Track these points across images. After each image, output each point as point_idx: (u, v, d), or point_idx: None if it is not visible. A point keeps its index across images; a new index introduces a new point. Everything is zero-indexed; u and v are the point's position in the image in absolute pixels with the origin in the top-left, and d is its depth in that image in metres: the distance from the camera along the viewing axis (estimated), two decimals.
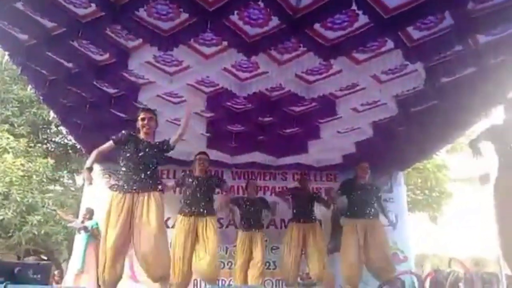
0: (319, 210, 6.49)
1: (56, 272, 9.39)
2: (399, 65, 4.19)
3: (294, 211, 6.21)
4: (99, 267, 3.65)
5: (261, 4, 3.29)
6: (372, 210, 5.44)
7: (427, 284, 3.36)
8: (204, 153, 5.36)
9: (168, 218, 7.06)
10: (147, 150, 3.82)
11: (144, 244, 3.57)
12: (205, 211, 4.84)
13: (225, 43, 3.84)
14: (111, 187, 3.80)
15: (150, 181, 3.78)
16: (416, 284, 3.17)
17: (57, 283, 8.75)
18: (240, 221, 6.26)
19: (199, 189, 4.94)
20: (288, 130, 6.12)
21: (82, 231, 6.97)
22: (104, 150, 3.83)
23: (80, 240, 7.04)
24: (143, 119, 3.90)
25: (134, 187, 3.69)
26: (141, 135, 3.91)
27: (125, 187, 3.70)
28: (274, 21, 3.53)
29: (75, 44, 4.04)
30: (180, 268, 4.64)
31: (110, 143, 3.81)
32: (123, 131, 3.84)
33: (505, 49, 3.95)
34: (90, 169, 3.70)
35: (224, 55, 4.08)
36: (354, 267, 5.18)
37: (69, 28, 3.69)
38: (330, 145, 6.45)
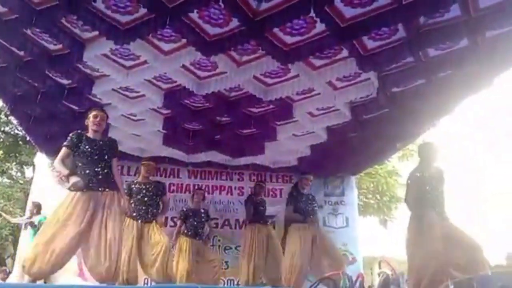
0: None
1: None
2: (353, 73, 4.32)
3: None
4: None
5: (222, 5, 3.31)
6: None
7: (357, 284, 3.49)
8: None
9: None
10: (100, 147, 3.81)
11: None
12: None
13: (184, 40, 3.83)
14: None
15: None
16: (348, 284, 3.28)
17: (3, 279, 8.40)
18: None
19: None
20: (245, 131, 6.16)
21: (29, 227, 6.71)
22: (64, 158, 3.72)
23: (27, 235, 6.77)
24: (95, 117, 3.87)
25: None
26: (90, 133, 3.86)
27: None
28: (234, 22, 3.55)
29: (28, 31, 3.89)
30: None
31: (64, 150, 3.72)
32: (71, 134, 3.80)
33: (453, 63, 4.16)
34: (70, 173, 3.61)
35: (183, 53, 4.06)
36: None
37: (22, 15, 3.54)
38: (286, 147, 6.56)
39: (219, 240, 7.45)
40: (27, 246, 6.57)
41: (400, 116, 5.28)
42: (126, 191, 4.95)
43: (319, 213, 7.73)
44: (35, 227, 6.66)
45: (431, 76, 4.40)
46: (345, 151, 6.67)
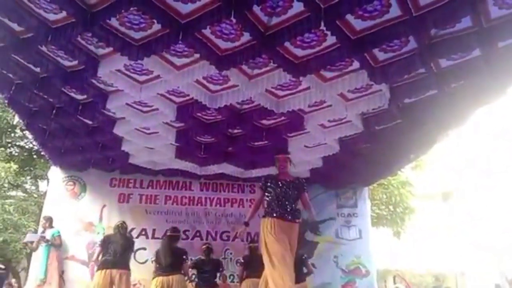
0: None
1: (13, 281, 9.05)
2: (365, 84, 4.32)
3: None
4: None
5: (233, 20, 3.35)
6: None
7: None
8: None
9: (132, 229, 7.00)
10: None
11: None
12: None
13: (196, 55, 3.87)
14: None
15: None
16: None
17: None
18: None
19: None
20: (257, 143, 6.18)
21: (42, 242, 6.71)
22: None
23: (41, 249, 6.78)
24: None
25: None
26: None
27: None
28: (246, 37, 3.59)
29: (44, 49, 3.97)
30: None
31: None
32: None
33: (465, 73, 4.14)
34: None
35: (195, 67, 4.10)
36: None
37: (38, 33, 3.62)
38: (298, 159, 6.51)
39: (230, 253, 7.44)
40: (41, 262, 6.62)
41: (412, 127, 5.25)
42: None
43: (332, 226, 7.72)
44: (48, 242, 6.68)
45: (443, 87, 4.38)
46: (358, 162, 6.64)
